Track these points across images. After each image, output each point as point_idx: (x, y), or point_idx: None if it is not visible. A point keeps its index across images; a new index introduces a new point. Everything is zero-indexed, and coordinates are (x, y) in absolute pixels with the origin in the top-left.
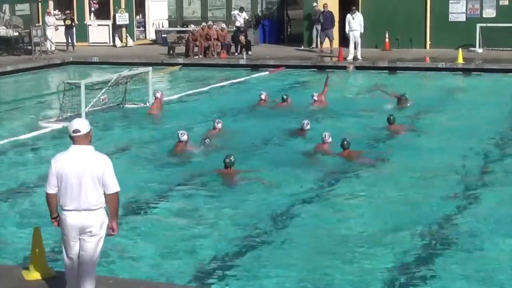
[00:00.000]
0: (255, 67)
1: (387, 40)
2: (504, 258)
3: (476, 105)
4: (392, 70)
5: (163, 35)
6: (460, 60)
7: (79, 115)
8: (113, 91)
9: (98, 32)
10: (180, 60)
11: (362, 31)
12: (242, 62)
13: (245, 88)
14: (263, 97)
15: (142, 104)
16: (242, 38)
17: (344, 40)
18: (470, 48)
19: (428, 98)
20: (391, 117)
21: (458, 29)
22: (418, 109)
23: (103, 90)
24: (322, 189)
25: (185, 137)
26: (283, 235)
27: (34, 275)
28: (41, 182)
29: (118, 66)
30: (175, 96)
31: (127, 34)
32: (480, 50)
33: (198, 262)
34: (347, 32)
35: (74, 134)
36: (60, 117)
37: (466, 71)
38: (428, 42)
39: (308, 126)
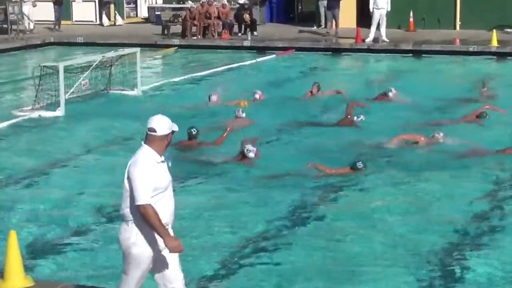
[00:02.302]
0: (261, 50)
1: (411, 19)
2: None
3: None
4: (417, 53)
5: (156, 13)
6: (494, 43)
7: (57, 103)
8: (96, 75)
9: (83, 9)
10: (176, 41)
11: (389, 9)
12: (246, 43)
13: (250, 74)
14: (257, 96)
15: (130, 90)
16: (246, 16)
17: (362, 19)
18: (506, 29)
19: (458, 86)
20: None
21: (492, 7)
22: (447, 98)
23: (84, 74)
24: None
25: (252, 155)
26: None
27: (9, 283)
28: (15, 179)
29: (105, 47)
30: (169, 81)
31: (116, 12)
32: None
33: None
34: (371, 10)
35: (148, 132)
36: (36, 105)
37: (501, 55)
38: (458, 22)
39: (360, 118)
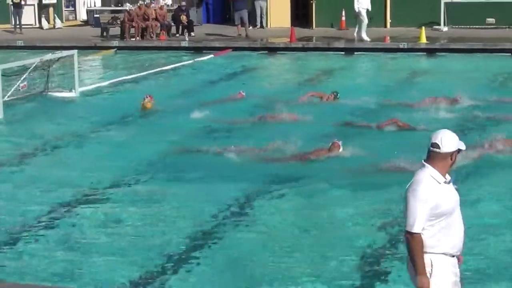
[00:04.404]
0: (199, 50)
1: (343, 18)
2: None
3: (440, 88)
4: (349, 51)
5: (95, 15)
6: (423, 40)
7: None
8: (35, 77)
9: (23, 12)
10: (115, 43)
11: (370, 9)
12: (184, 44)
13: (188, 73)
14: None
15: (68, 92)
16: (183, 17)
17: (297, 18)
18: (434, 27)
19: (389, 82)
20: None
21: (421, 5)
22: (377, 94)
23: (23, 77)
24: None
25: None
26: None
27: None
28: None
29: (45, 50)
30: (108, 82)
31: (55, 15)
32: (445, 29)
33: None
34: (357, 10)
35: (430, 148)
36: None
37: (430, 51)
38: (388, 20)
39: None
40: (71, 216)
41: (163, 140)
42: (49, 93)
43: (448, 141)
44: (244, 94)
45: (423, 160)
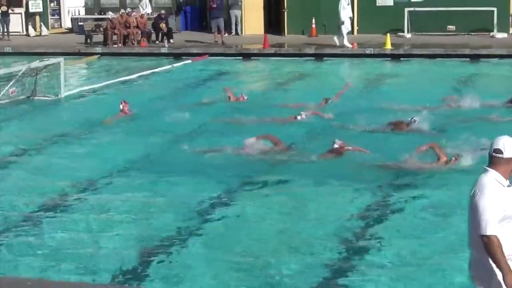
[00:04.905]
0: (178, 56)
1: (313, 25)
2: None
3: (404, 91)
4: (319, 57)
5: (79, 23)
6: (388, 46)
7: None
8: (23, 83)
9: (11, 20)
10: (98, 50)
11: (352, 16)
12: (163, 50)
13: (168, 78)
14: (241, 98)
15: (54, 96)
16: (162, 25)
17: (270, 26)
18: (399, 33)
19: (359, 84)
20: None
21: (386, 13)
22: (346, 97)
23: (11, 82)
24: None
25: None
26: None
27: None
28: None
29: (32, 56)
30: (92, 87)
31: (41, 23)
32: (409, 35)
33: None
34: (342, 19)
35: (493, 154)
36: None
37: (395, 57)
38: (356, 27)
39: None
40: (55, 218)
41: (145, 142)
42: (36, 97)
43: (510, 146)
44: (246, 97)
45: (485, 166)
